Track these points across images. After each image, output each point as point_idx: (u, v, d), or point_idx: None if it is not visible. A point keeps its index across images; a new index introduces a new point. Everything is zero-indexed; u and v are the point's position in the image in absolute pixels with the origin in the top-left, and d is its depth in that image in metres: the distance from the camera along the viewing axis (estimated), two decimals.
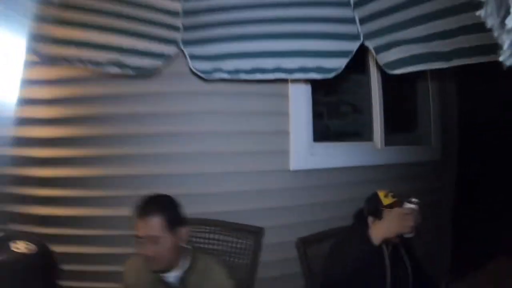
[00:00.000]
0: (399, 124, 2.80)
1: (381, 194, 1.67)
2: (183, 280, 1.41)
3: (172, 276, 1.41)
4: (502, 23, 0.33)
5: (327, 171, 2.24)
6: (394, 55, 1.45)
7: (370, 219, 1.67)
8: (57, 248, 1.99)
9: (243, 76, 1.62)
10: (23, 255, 1.86)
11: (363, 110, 2.72)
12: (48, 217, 2.12)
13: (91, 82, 2.04)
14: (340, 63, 1.56)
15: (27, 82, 1.89)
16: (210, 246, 1.94)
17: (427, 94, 2.98)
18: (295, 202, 2.16)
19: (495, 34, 0.35)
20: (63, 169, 2.11)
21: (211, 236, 1.94)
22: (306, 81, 2.20)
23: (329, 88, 2.56)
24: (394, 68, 1.46)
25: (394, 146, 2.61)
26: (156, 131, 2.04)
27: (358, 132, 2.70)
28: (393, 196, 1.64)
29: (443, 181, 3.07)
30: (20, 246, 1.90)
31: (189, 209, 1.97)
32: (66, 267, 2.04)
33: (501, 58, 0.35)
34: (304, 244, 1.87)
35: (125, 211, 1.44)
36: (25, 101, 2.01)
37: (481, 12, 0.36)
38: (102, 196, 2.05)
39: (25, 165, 2.15)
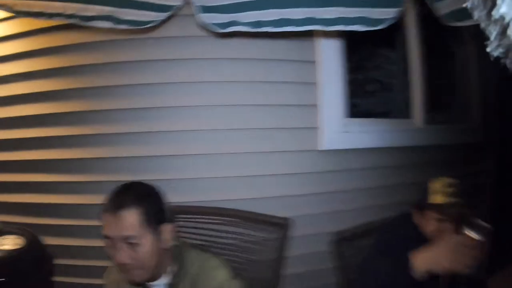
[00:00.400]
0: (439, 102, 2.44)
1: (434, 184, 1.28)
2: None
3: (159, 285, 1.11)
4: (489, 14, 0.32)
5: (361, 151, 1.90)
6: (454, 4, 1.28)
7: (413, 211, 1.36)
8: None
9: (267, 28, 1.30)
10: (9, 252, 1.63)
11: (392, 87, 2.38)
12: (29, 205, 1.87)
13: (69, 51, 1.77)
14: (389, 13, 1.25)
15: None
16: (225, 241, 1.63)
17: (467, 71, 2.62)
18: (324, 188, 1.82)
19: (482, 25, 0.35)
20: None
21: (227, 228, 1.62)
22: (338, 44, 1.85)
23: (355, 65, 2.22)
24: (453, 20, 1.31)
25: (435, 125, 2.25)
26: (153, 105, 1.72)
27: (387, 111, 2.36)
28: (451, 195, 1.22)
29: (485, 165, 2.71)
30: (7, 242, 1.68)
31: (198, 197, 1.70)
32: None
33: (488, 49, 0.34)
34: (340, 240, 1.55)
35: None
36: None
37: (468, 4, 0.36)
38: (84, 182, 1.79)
39: None
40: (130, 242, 0.99)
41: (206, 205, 1.64)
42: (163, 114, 1.73)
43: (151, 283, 1.10)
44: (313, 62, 1.80)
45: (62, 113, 1.80)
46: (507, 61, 0.34)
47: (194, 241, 1.53)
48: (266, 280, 1.58)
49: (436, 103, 2.40)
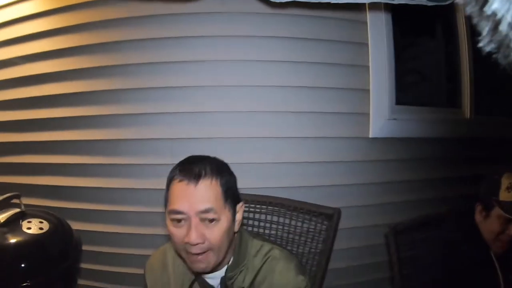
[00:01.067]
0: (489, 92, 2.27)
1: (506, 181, 1.16)
2: (229, 282, 0.94)
3: (215, 277, 0.95)
4: (481, 10, 0.32)
5: (410, 141, 1.75)
6: None
7: (478, 207, 1.24)
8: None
9: None
10: (33, 236, 1.50)
11: (433, 78, 2.22)
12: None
13: (99, 27, 1.65)
14: None
15: None
16: (268, 232, 1.51)
17: None
18: (373, 179, 1.69)
19: (474, 21, 0.34)
20: None
21: (271, 218, 1.50)
22: (389, 28, 1.71)
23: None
24: None
25: (485, 116, 2.09)
26: (186, 83, 1.59)
27: (432, 101, 2.20)
28: None
29: None
30: (32, 226, 1.55)
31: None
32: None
33: (480, 44, 0.34)
34: (396, 233, 1.42)
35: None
36: None
37: (459, 0, 0.35)
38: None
39: None
40: (207, 218, 0.84)
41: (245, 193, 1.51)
42: (199, 94, 1.61)
43: (209, 274, 0.94)
44: (366, 45, 1.66)
45: (90, 92, 1.68)
46: (499, 56, 0.34)
47: None
48: (310, 274, 1.46)
49: (487, 93, 2.24)
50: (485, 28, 0.33)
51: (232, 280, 0.93)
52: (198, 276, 0.96)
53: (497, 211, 1.16)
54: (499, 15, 0.31)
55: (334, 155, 1.62)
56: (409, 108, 1.80)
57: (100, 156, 1.66)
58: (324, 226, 1.45)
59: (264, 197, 1.49)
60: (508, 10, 0.30)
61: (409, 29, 1.99)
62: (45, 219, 1.59)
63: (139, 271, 1.67)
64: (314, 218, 1.46)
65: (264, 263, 0.95)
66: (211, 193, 0.85)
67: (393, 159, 1.71)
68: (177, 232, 0.85)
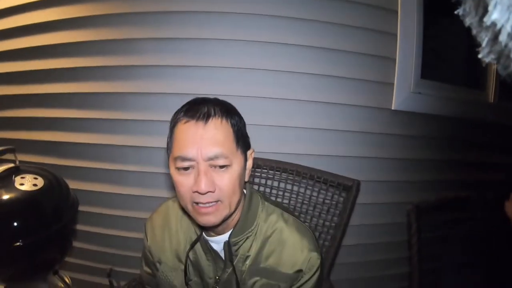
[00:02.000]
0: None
1: None
2: (233, 248, 0.84)
3: (219, 241, 0.85)
4: (481, 21, 0.32)
5: (432, 118, 1.65)
6: None
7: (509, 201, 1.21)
8: None
9: None
10: (27, 193, 1.38)
11: (458, 57, 2.11)
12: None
13: None
14: None
15: None
16: (280, 200, 1.42)
17: None
18: (393, 153, 1.59)
19: (474, 32, 0.34)
20: None
21: (283, 185, 1.41)
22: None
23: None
24: None
25: (509, 102, 2.00)
26: (194, 35, 1.45)
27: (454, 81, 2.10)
28: None
29: None
30: (26, 182, 1.42)
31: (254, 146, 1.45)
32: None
33: (480, 55, 0.34)
34: (418, 211, 1.32)
35: None
36: None
37: (459, 11, 0.35)
38: None
39: None
40: (218, 165, 0.73)
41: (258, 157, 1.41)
42: (211, 47, 1.48)
43: (212, 238, 0.85)
44: (395, 12, 1.55)
45: (93, 41, 1.54)
46: (499, 67, 0.33)
47: None
48: (323, 249, 1.37)
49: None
50: (484, 39, 0.33)
51: (237, 247, 0.84)
52: (201, 237, 0.86)
53: None
54: (498, 26, 0.30)
55: (354, 124, 1.52)
56: (433, 84, 1.70)
57: (102, 110, 1.54)
58: (341, 198, 1.36)
59: (279, 162, 1.39)
60: (507, 20, 0.30)
61: (437, 5, 1.88)
62: (40, 175, 1.47)
63: (138, 235, 1.59)
64: (331, 189, 1.36)
65: (274, 232, 0.84)
66: (222, 134, 0.74)
67: (413, 135, 1.62)
68: (184, 180, 0.75)
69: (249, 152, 0.83)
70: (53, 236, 1.42)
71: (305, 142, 1.48)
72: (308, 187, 1.37)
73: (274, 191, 1.40)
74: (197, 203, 0.74)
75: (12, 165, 1.45)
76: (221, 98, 0.80)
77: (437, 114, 1.67)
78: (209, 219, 0.76)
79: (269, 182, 1.40)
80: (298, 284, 0.84)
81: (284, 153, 1.45)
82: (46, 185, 1.43)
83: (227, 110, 0.78)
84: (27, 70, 1.68)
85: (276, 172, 1.38)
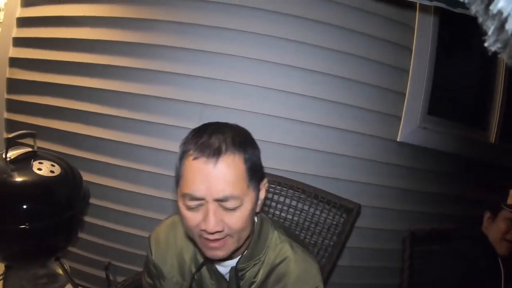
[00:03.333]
0: None
1: None
2: (240, 274, 0.84)
3: (226, 266, 0.85)
4: (487, 9, 0.32)
5: (437, 153, 1.74)
6: None
7: (486, 215, 1.40)
8: None
9: None
10: (43, 178, 1.43)
11: (464, 96, 2.18)
12: None
13: None
14: None
15: None
16: (284, 215, 1.48)
17: None
18: (394, 183, 1.67)
19: (480, 20, 0.33)
20: None
21: (289, 202, 1.47)
22: (435, 33, 1.70)
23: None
24: None
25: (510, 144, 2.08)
26: (222, 50, 1.54)
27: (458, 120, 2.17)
28: None
29: None
30: (43, 167, 1.47)
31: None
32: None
33: (486, 44, 0.32)
34: (413, 238, 1.39)
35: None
36: None
37: None
38: None
39: None
40: (227, 207, 0.71)
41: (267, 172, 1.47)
42: (235, 63, 1.56)
43: (222, 263, 0.84)
44: (409, 49, 1.64)
45: (123, 42, 1.63)
46: (505, 56, 0.33)
47: None
48: (320, 264, 1.42)
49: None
50: (490, 28, 0.32)
51: (244, 272, 0.83)
52: (208, 261, 0.84)
53: (504, 213, 1.32)
54: (505, 14, 0.30)
55: (360, 151, 1.60)
56: (439, 120, 1.79)
57: (123, 109, 1.62)
58: (342, 219, 1.42)
59: (286, 179, 1.45)
60: None
61: (449, 44, 1.97)
62: (57, 163, 1.53)
63: (142, 233, 1.64)
64: (333, 209, 1.43)
65: (282, 261, 0.84)
66: (233, 173, 0.70)
67: (416, 167, 1.69)
68: (192, 216, 0.72)
69: (262, 184, 0.79)
70: (61, 224, 1.47)
71: (313, 163, 1.56)
72: (312, 205, 1.44)
73: (279, 206, 1.46)
74: (205, 237, 0.73)
75: (30, 149, 1.51)
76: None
77: (441, 149, 1.75)
78: (217, 254, 0.74)
79: (275, 197, 1.47)
80: None
81: (292, 171, 1.53)
82: (62, 173, 1.49)
83: (240, 143, 0.73)
84: (53, 59, 1.76)
85: (283, 188, 1.45)
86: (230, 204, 0.70)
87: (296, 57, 1.54)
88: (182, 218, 0.75)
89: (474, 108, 2.13)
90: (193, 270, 0.87)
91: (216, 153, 0.69)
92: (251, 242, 0.82)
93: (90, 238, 1.76)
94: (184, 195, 0.71)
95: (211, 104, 1.52)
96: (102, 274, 1.75)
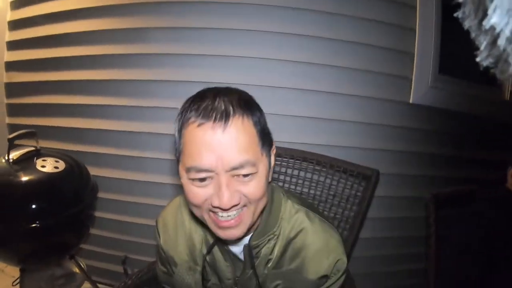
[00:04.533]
0: None
1: None
2: (254, 251, 0.76)
3: (239, 243, 0.78)
4: (480, 24, 0.32)
5: (450, 113, 1.66)
6: None
7: (509, 171, 1.32)
8: None
9: None
10: (47, 175, 1.39)
11: (465, 54, 2.10)
12: None
13: None
14: None
15: None
16: (300, 189, 1.43)
17: None
18: (410, 147, 1.60)
19: (473, 35, 0.34)
20: None
21: (303, 174, 1.42)
22: None
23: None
24: None
25: None
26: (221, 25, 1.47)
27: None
28: None
29: None
30: (47, 164, 1.44)
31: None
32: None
33: (478, 59, 0.34)
34: (437, 201, 1.33)
35: None
36: None
37: (459, 14, 0.35)
38: None
39: None
40: (242, 174, 0.63)
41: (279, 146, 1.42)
42: (234, 37, 1.49)
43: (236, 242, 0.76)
44: (414, 7, 1.56)
45: (116, 29, 1.56)
46: (497, 72, 0.33)
47: None
48: (343, 236, 1.37)
49: None
50: (483, 43, 0.32)
51: (258, 249, 0.76)
52: (219, 241, 0.77)
53: None
54: (497, 29, 0.30)
55: (372, 117, 1.53)
56: (451, 79, 1.71)
57: (122, 97, 1.57)
58: (361, 188, 1.36)
59: (299, 152, 1.40)
60: (507, 24, 0.29)
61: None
62: (61, 159, 1.50)
63: (154, 222, 1.60)
64: (351, 178, 1.37)
65: (298, 234, 0.76)
66: (245, 137, 0.62)
67: (430, 129, 1.63)
68: (201, 192, 0.64)
69: (271, 149, 0.72)
70: (71, 220, 1.44)
71: (324, 133, 1.50)
72: (328, 176, 1.38)
73: (294, 180, 1.41)
74: (215, 212, 0.66)
75: (33, 148, 1.48)
76: (244, 87, 0.69)
77: (454, 109, 1.68)
78: (232, 233, 0.67)
79: (289, 171, 1.41)
80: (323, 287, 0.79)
81: (304, 143, 1.47)
82: (67, 168, 1.46)
83: (248, 105, 0.66)
84: (48, 57, 1.71)
85: (297, 161, 1.40)
86: (245, 170, 0.62)
87: (300, 25, 1.46)
88: (187, 197, 0.67)
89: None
90: (204, 252, 0.80)
91: (223, 117, 0.61)
92: (263, 216, 0.75)
93: (103, 234, 1.73)
94: (189, 169, 0.63)
95: (214, 81, 1.46)
96: (120, 269, 1.72)
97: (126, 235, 1.70)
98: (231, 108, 0.62)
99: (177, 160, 0.68)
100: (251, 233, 0.75)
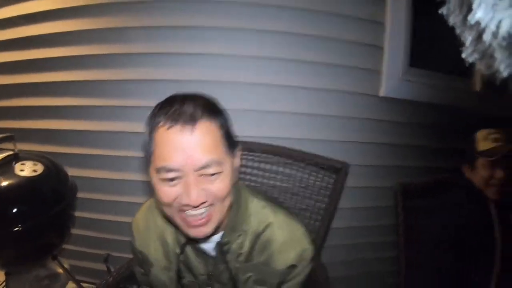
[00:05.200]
0: None
1: (480, 135, 1.32)
2: (225, 248, 0.82)
3: (211, 242, 0.83)
4: (464, 20, 0.32)
5: (422, 105, 1.71)
6: None
7: (464, 167, 1.37)
8: None
9: None
10: (26, 178, 1.42)
11: (447, 45, 2.13)
12: None
13: None
14: None
15: None
16: (273, 182, 1.46)
17: None
18: (382, 139, 1.64)
19: (458, 31, 0.34)
20: None
21: (275, 168, 1.45)
22: None
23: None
24: None
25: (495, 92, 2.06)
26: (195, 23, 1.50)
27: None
28: (495, 140, 1.26)
29: None
30: (26, 168, 1.46)
31: (242, 131, 1.50)
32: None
33: (463, 55, 0.34)
34: (404, 190, 1.38)
35: None
36: None
37: (443, 10, 0.35)
38: None
39: None
40: (209, 173, 0.68)
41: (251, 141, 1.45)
42: (206, 35, 1.51)
43: (205, 239, 0.81)
44: (383, 1, 1.60)
45: (90, 30, 1.57)
46: (482, 67, 0.33)
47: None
48: (314, 230, 1.42)
49: None
50: (468, 38, 0.32)
51: (229, 245, 0.82)
52: (191, 240, 0.81)
53: (480, 161, 1.29)
54: (482, 25, 0.30)
55: (343, 110, 1.56)
56: (421, 72, 1.76)
57: (99, 98, 1.58)
58: (331, 180, 1.40)
59: (270, 146, 1.43)
60: (491, 19, 0.29)
61: None
62: (39, 162, 1.51)
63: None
64: (321, 171, 1.41)
65: (265, 228, 0.82)
66: (211, 139, 0.68)
67: (401, 122, 1.67)
68: (170, 191, 0.69)
69: (236, 151, 0.78)
70: (52, 221, 1.47)
71: (296, 127, 1.53)
72: (300, 169, 1.42)
73: (267, 174, 1.45)
74: (185, 211, 0.70)
75: (11, 152, 1.49)
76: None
77: (425, 101, 1.72)
78: (202, 231, 0.72)
79: (262, 165, 1.45)
80: (291, 276, 0.83)
81: (275, 137, 1.49)
82: (45, 171, 1.48)
83: (214, 110, 0.71)
84: (23, 59, 1.70)
85: (269, 156, 1.43)
86: (212, 170, 0.68)
87: (269, 21, 1.49)
88: (158, 196, 0.71)
89: (458, 56, 2.09)
90: (177, 251, 0.85)
91: (191, 120, 0.66)
92: (231, 215, 0.80)
93: (85, 233, 1.75)
94: (160, 169, 0.68)
95: (187, 79, 1.49)
96: (103, 267, 1.74)
97: (107, 234, 1.72)
98: (199, 112, 0.68)
99: (148, 162, 0.73)
100: (221, 231, 0.80)
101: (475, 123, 1.86)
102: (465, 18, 0.32)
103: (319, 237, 1.41)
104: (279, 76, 1.51)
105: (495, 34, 0.30)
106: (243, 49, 1.49)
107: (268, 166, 1.44)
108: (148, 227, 0.89)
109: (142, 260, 0.92)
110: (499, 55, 0.31)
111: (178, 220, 0.73)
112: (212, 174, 0.68)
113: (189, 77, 1.48)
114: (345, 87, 1.55)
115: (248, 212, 0.83)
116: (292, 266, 0.82)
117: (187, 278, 0.87)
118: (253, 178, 1.43)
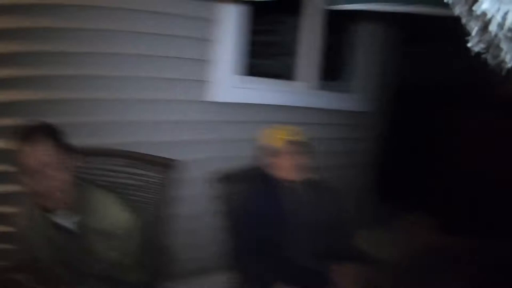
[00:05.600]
0: (330, 71, 2.71)
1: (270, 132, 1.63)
2: (77, 222, 1.28)
3: (64, 218, 1.27)
4: (470, 10, 0.33)
5: (250, 106, 2.12)
6: None
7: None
8: None
9: None
10: None
11: (293, 53, 2.57)
12: None
13: None
14: None
15: None
16: (119, 180, 1.72)
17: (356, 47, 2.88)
18: (211, 136, 2.04)
19: (463, 20, 0.35)
20: None
21: (120, 168, 1.72)
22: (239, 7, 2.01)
23: (260, 27, 2.38)
24: (337, 3, 1.17)
25: (323, 90, 2.55)
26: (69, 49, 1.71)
27: (285, 74, 2.55)
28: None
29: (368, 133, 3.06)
30: None
31: (99, 139, 1.76)
32: None
33: (469, 44, 0.35)
34: (224, 179, 1.75)
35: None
36: None
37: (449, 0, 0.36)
38: None
39: None
40: (46, 169, 1.13)
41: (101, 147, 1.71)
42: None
43: (57, 214, 1.24)
44: (211, 21, 1.94)
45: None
46: (488, 57, 0.34)
47: None
48: (150, 221, 1.70)
49: (328, 73, 2.64)
50: (474, 28, 0.32)
51: (80, 218, 1.26)
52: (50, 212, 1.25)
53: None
54: (488, 15, 0.30)
55: (176, 115, 1.92)
56: (251, 79, 2.16)
57: None
58: (162, 175, 1.70)
59: (116, 151, 1.69)
60: (498, 10, 0.29)
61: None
62: None
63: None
64: (154, 168, 1.70)
65: (100, 204, 1.29)
66: (45, 150, 1.16)
67: (231, 121, 2.08)
68: (27, 182, 1.16)
69: (70, 158, 1.25)
70: None
71: (141, 131, 1.86)
72: (139, 168, 1.68)
73: (119, 174, 1.67)
74: None
75: None
76: None
77: (254, 103, 2.13)
78: (44, 203, 1.24)
79: (115, 168, 1.67)
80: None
81: (132, 142, 1.79)
82: None
83: (51, 130, 1.22)
84: None
85: (119, 159, 1.67)
86: (47, 167, 1.16)
87: (109, 42, 1.74)
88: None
89: (285, 63, 2.53)
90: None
91: (33, 138, 1.15)
92: (80, 198, 1.27)
93: None
94: (20, 166, 1.14)
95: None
96: None
97: None
98: (38, 133, 1.16)
99: None
100: (72, 212, 1.25)
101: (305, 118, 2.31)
102: (471, 8, 0.32)
103: (158, 228, 1.69)
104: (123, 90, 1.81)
105: (501, 25, 0.30)
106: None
107: (114, 167, 1.69)
108: (29, 220, 1.31)
109: None
110: (505, 45, 0.31)
111: None
112: (48, 171, 1.16)
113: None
114: (175, 96, 1.91)
115: (88, 196, 1.29)
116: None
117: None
118: (108, 178, 1.65)
